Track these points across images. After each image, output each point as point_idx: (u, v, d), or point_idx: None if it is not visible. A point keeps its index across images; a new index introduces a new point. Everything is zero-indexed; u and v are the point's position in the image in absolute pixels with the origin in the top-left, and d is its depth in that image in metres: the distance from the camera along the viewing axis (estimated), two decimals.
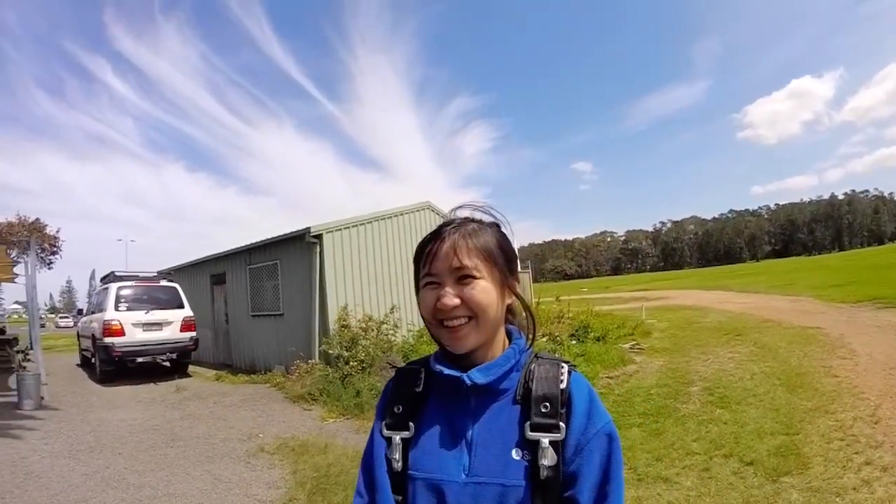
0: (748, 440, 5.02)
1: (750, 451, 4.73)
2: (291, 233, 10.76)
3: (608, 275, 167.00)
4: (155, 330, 11.10)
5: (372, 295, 11.00)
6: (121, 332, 10.62)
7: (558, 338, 10.22)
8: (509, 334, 1.14)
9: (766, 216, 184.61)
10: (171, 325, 11.33)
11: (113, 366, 10.77)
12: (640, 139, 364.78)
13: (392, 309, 10.27)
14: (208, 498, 4.32)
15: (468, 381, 1.04)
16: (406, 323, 11.02)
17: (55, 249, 28.10)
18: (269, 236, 11.67)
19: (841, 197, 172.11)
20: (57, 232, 28.24)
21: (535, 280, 27.19)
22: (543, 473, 0.98)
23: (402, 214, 12.72)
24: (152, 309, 11.23)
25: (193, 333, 11.68)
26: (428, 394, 1.12)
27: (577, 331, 10.88)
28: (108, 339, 10.50)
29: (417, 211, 13.38)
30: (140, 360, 10.99)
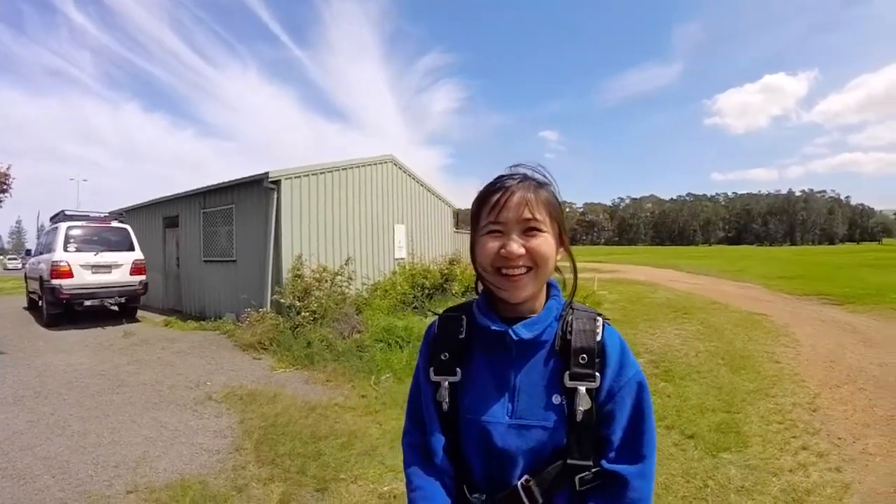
0: (690, 414, 5.23)
1: (691, 424, 4.94)
2: (249, 177, 10.55)
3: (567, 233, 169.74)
4: (104, 272, 10.82)
5: (328, 246, 10.96)
6: (69, 274, 10.33)
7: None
8: (548, 286, 1.21)
9: (723, 203, 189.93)
10: (120, 268, 11.05)
11: (60, 309, 10.51)
12: (610, 114, 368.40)
13: (347, 261, 10.22)
14: (154, 446, 4.38)
15: (515, 337, 1.12)
16: (360, 276, 11.03)
17: (5, 188, 26.63)
18: (226, 179, 11.36)
19: (798, 194, 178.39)
20: (7, 169, 26.81)
21: None
22: (579, 416, 1.10)
23: (364, 166, 12.56)
24: (102, 251, 10.91)
25: (143, 277, 11.44)
26: (471, 341, 1.21)
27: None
28: (55, 281, 10.22)
29: (380, 164, 13.25)
30: (88, 303, 10.74)
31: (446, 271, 10.98)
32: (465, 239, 19.34)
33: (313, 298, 8.97)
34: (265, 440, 4.51)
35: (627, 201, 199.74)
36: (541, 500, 1.11)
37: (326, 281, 9.58)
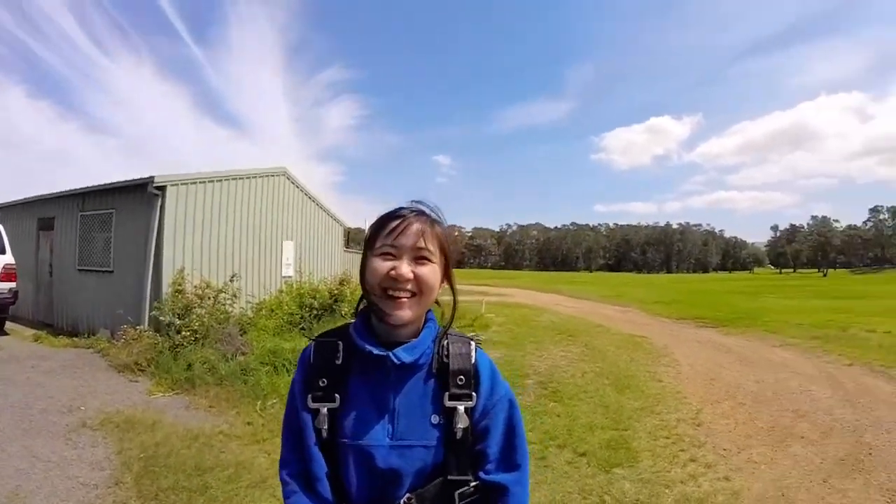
0: (580, 433, 5.52)
1: (583, 443, 5.22)
2: (133, 180, 9.99)
3: (453, 267, 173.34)
4: None
5: (212, 260, 10.60)
6: None
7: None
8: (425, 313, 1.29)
9: (604, 233, 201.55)
10: None
11: None
12: (502, 143, 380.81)
13: (232, 277, 9.93)
14: (27, 479, 4.15)
15: (396, 361, 1.18)
16: (245, 294, 10.75)
17: None
18: (109, 181, 10.69)
19: (675, 226, 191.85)
20: None
21: None
22: (459, 434, 1.19)
23: (255, 177, 12.28)
24: None
25: (13, 285, 10.47)
26: (348, 366, 1.24)
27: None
28: None
29: (272, 176, 13.00)
30: None
31: (336, 291, 10.92)
32: (355, 259, 19.33)
33: (195, 316, 8.65)
34: (146, 473, 4.35)
35: (515, 227, 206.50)
36: None
37: (209, 298, 9.26)
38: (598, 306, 21.88)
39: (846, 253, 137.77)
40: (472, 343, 1.31)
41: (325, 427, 1.20)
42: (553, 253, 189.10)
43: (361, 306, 1.31)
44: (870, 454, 4.96)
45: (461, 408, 1.21)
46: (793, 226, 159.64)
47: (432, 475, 1.20)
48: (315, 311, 10.25)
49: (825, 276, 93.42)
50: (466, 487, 1.22)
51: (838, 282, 55.89)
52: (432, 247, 1.22)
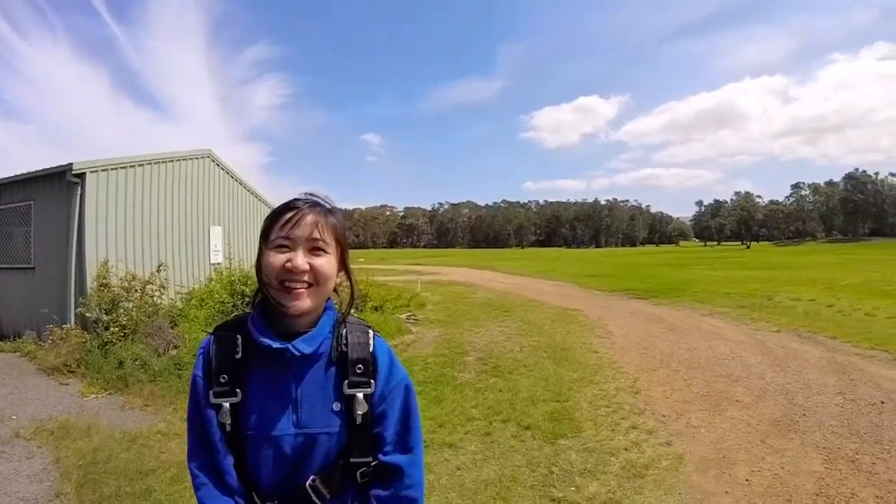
0: (523, 406, 5.76)
1: (526, 416, 5.47)
2: (49, 168, 9.58)
3: (384, 247, 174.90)
4: None
5: (137, 250, 10.29)
6: None
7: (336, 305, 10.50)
8: None
9: (534, 210, 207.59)
10: None
11: None
12: (432, 121, 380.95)
13: (159, 267, 9.74)
14: None
15: (296, 353, 1.22)
16: (174, 284, 10.59)
17: None
18: (24, 171, 10.20)
19: (603, 202, 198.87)
20: None
21: None
22: (359, 420, 1.26)
23: (179, 160, 11.90)
24: None
25: None
26: (248, 359, 1.26)
27: (356, 301, 11.05)
28: None
29: (197, 158, 12.62)
30: None
31: None
32: None
33: (122, 311, 8.50)
34: (87, 481, 4.34)
35: (447, 206, 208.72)
36: (328, 496, 1.26)
37: (136, 290, 9.09)
38: (532, 282, 22.46)
39: (768, 227, 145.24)
40: (371, 331, 1.36)
41: (229, 421, 1.23)
42: (485, 230, 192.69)
43: (258, 298, 1.34)
44: (804, 415, 5.39)
45: (360, 395, 1.27)
46: (717, 201, 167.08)
47: (336, 458, 1.27)
48: (247, 299, 10.17)
49: (748, 248, 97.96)
50: (367, 467, 1.30)
51: (762, 253, 58.40)
52: (327, 237, 1.25)
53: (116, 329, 8.15)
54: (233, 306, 9.93)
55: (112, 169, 9.93)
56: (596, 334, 9.71)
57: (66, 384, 7.17)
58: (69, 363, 7.61)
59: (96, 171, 9.51)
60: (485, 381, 6.85)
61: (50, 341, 8.21)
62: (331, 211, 1.31)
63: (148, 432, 5.46)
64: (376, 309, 11.55)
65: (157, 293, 9.50)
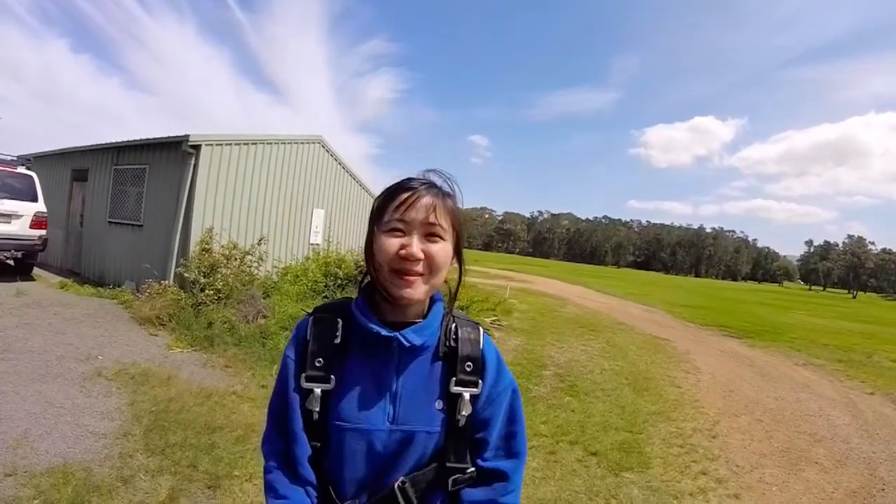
0: (593, 431, 5.42)
1: (595, 441, 5.13)
2: (167, 137, 9.96)
3: (480, 249, 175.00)
4: (2, 222, 9.87)
5: (241, 222, 10.56)
6: None
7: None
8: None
9: (636, 229, 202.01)
10: (20, 220, 10.08)
11: None
12: (540, 128, 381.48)
13: (260, 240, 9.92)
14: (37, 423, 4.15)
15: (406, 343, 1.13)
16: (272, 258, 10.78)
17: None
18: (143, 137, 10.71)
19: (709, 230, 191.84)
20: None
21: None
22: (461, 422, 1.16)
23: (290, 143, 12.17)
24: (3, 198, 9.92)
25: (44, 232, 10.54)
26: (347, 345, 1.18)
27: (444, 295, 10.86)
28: None
29: (308, 143, 12.87)
30: None
31: (362, 263, 10.77)
32: None
33: (220, 276, 8.66)
34: (155, 427, 4.34)
35: (546, 215, 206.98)
36: (415, 501, 1.15)
37: (236, 259, 9.27)
38: (623, 304, 21.61)
39: (878, 277, 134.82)
40: (480, 329, 1.26)
41: (317, 409, 1.15)
42: (582, 245, 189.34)
43: (364, 282, 1.27)
44: (882, 490, 4.80)
45: (466, 395, 1.17)
46: (827, 242, 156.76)
47: (429, 461, 1.17)
48: (339, 281, 10.16)
49: (854, 297, 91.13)
50: (461, 474, 1.19)
51: (868, 305, 54.69)
52: (444, 223, 1.15)
53: (211, 292, 8.34)
54: (325, 286, 9.95)
55: (226, 144, 10.22)
56: (682, 368, 9.07)
57: (155, 335, 7.32)
58: (161, 316, 7.80)
59: (211, 145, 9.80)
60: (559, 399, 6.51)
61: (147, 294, 8.44)
62: (449, 194, 1.21)
63: (224, 391, 5.43)
64: (462, 308, 11.18)
65: (255, 264, 9.65)
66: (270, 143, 11.45)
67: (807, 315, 26.55)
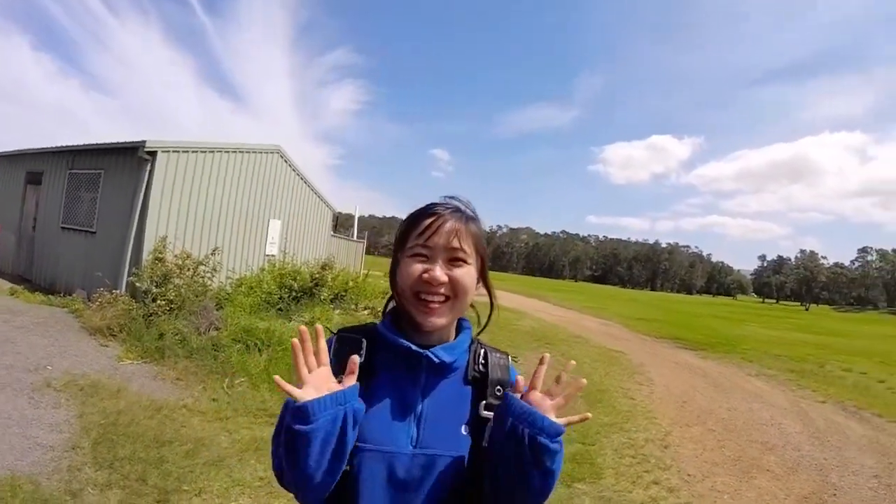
0: None
1: None
2: (124, 142, 9.87)
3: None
4: None
5: (196, 231, 10.50)
6: None
7: (380, 313, 10.13)
8: (459, 320, 1.25)
9: (593, 244, 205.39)
10: None
11: None
12: (502, 144, 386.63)
13: (214, 250, 9.79)
14: None
15: (436, 359, 1.13)
16: (226, 268, 10.74)
17: None
18: (101, 140, 10.60)
19: (664, 245, 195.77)
20: None
21: (369, 252, 27.32)
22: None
23: (248, 152, 12.14)
24: None
25: None
26: (372, 365, 1.16)
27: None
28: None
29: (266, 153, 12.87)
30: None
31: (317, 276, 10.82)
32: (341, 244, 19.23)
33: (172, 286, 8.55)
34: (104, 440, 4.37)
35: (505, 230, 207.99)
36: None
37: (189, 269, 9.15)
38: (580, 317, 21.91)
39: (830, 290, 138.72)
40: (508, 356, 1.27)
41: None
42: (541, 259, 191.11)
43: (390, 307, 1.28)
44: (834, 495, 4.99)
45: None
46: (780, 257, 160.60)
47: (454, 487, 1.09)
48: (294, 293, 10.22)
49: (807, 310, 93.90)
50: None
51: (820, 317, 56.02)
52: (467, 247, 1.16)
53: (163, 302, 8.24)
54: (279, 298, 9.99)
55: (183, 151, 10.17)
56: (636, 380, 9.31)
57: (106, 346, 7.26)
58: (112, 327, 7.71)
59: (167, 151, 9.74)
60: None
61: (98, 303, 8.33)
62: (472, 218, 1.21)
63: (174, 404, 5.45)
64: None
65: (209, 275, 9.56)
66: (228, 152, 11.41)
67: (760, 327, 27.19)
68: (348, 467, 1.07)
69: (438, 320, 1.13)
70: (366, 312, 10.22)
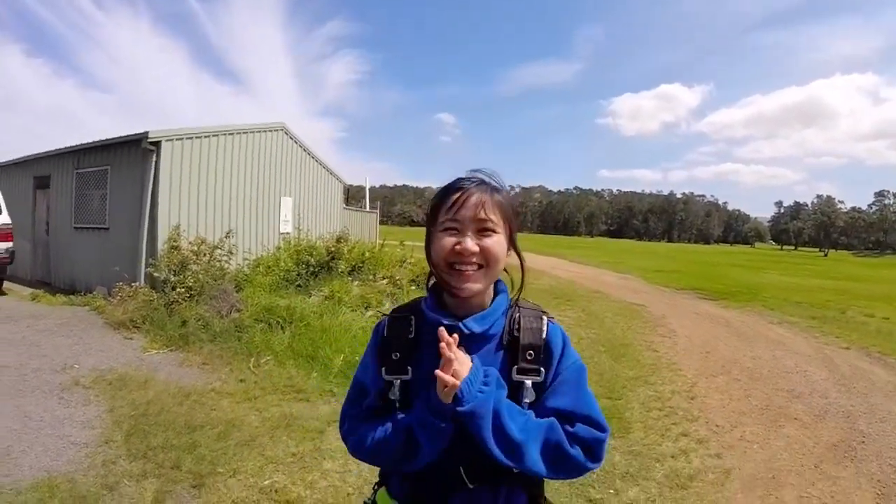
0: None
1: None
2: (127, 136, 9.89)
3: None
4: None
5: (208, 216, 10.54)
6: None
7: (399, 282, 10.40)
8: (495, 283, 1.31)
9: (607, 199, 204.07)
10: None
11: None
12: (507, 103, 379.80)
13: (228, 234, 9.87)
14: (18, 439, 4.21)
15: (466, 330, 1.21)
16: (242, 250, 10.76)
17: None
18: (103, 137, 10.57)
19: (679, 196, 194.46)
20: None
21: (382, 222, 27.29)
22: (525, 408, 1.20)
23: (253, 132, 12.10)
24: None
25: (10, 245, 10.45)
26: (420, 339, 1.28)
27: (417, 276, 10.96)
28: None
29: (270, 131, 12.79)
30: None
31: (333, 249, 10.76)
32: (353, 216, 19.18)
33: (190, 273, 8.63)
34: (136, 431, 4.40)
35: (518, 189, 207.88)
36: (476, 485, 1.21)
37: (205, 254, 9.25)
38: (598, 272, 21.88)
39: (848, 235, 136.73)
40: (544, 317, 1.31)
41: (398, 398, 1.26)
42: (555, 217, 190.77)
43: (431, 282, 1.34)
44: (863, 442, 4.91)
45: (528, 382, 1.22)
46: (797, 203, 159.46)
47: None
48: (312, 269, 10.21)
49: (826, 256, 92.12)
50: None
51: (839, 263, 55.11)
52: (495, 217, 1.22)
53: (183, 290, 8.31)
54: (297, 275, 10.00)
55: (187, 138, 10.14)
56: (658, 333, 9.24)
57: (130, 339, 7.35)
58: (135, 319, 7.80)
59: (171, 140, 9.71)
60: None
61: (119, 298, 8.42)
62: (497, 189, 1.28)
63: (202, 389, 5.50)
64: None
65: (225, 258, 9.63)
66: (232, 134, 11.37)
67: (779, 274, 26.99)
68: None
69: (474, 286, 1.21)
70: (384, 282, 10.17)
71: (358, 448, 1.29)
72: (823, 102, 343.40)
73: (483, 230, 1.21)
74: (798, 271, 31.19)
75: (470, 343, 1.23)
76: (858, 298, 15.99)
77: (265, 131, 12.60)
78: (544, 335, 1.27)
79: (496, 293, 1.31)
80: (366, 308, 8.53)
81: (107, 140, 10.48)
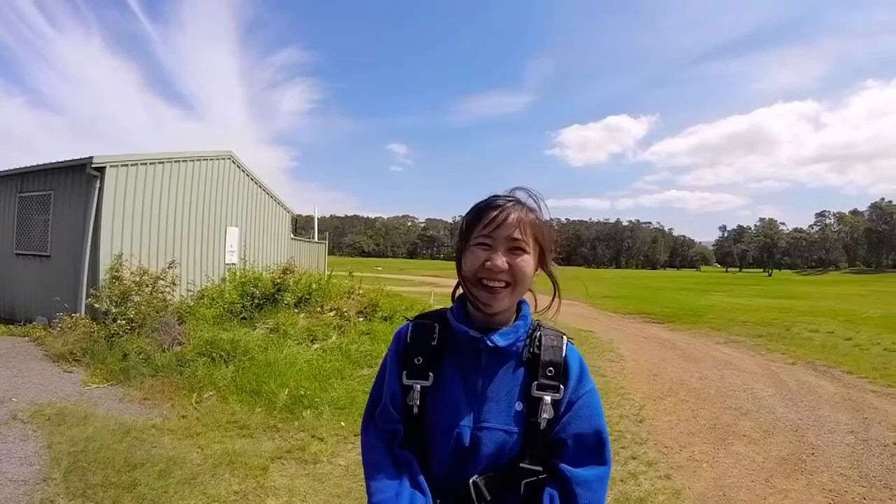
0: None
1: None
2: (71, 160, 9.77)
3: (404, 257, 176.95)
4: None
5: (152, 245, 10.40)
6: None
7: (346, 313, 10.31)
8: (519, 303, 1.35)
9: (555, 227, 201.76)
10: None
11: None
12: (459, 134, 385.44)
13: (171, 264, 9.83)
14: None
15: (490, 344, 1.25)
16: (186, 281, 10.68)
17: None
18: (47, 161, 10.42)
19: (626, 223, 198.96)
20: None
21: (331, 252, 27.14)
22: (542, 425, 1.23)
23: (200, 160, 12.03)
24: None
25: None
26: (443, 348, 1.31)
27: (365, 308, 10.87)
28: None
29: (218, 159, 12.74)
30: None
31: (279, 280, 10.78)
32: (302, 246, 19.07)
33: (132, 304, 8.56)
34: (75, 468, 4.35)
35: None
36: (488, 498, 1.23)
37: (147, 285, 9.16)
38: None
39: (791, 254, 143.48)
40: (564, 338, 1.34)
41: (417, 403, 1.27)
42: None
43: (458, 293, 1.39)
44: (812, 454, 5.11)
45: (548, 398, 1.24)
46: (740, 226, 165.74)
47: (507, 461, 1.25)
48: (257, 301, 10.18)
49: (770, 275, 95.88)
50: (535, 478, 1.25)
51: (783, 282, 56.79)
52: (527, 237, 1.26)
53: (124, 322, 8.21)
54: (242, 307, 9.93)
55: (132, 164, 10.05)
56: (606, 357, 9.47)
57: (70, 372, 7.23)
58: (75, 352, 7.67)
59: (116, 166, 9.62)
60: None
61: (59, 329, 8.29)
62: (533, 210, 1.32)
63: (143, 425, 5.44)
64: (385, 319, 11.01)
65: (168, 289, 9.56)
66: (178, 161, 11.31)
67: (725, 296, 27.83)
68: (421, 439, 1.29)
69: (499, 303, 1.25)
70: (332, 314, 10.19)
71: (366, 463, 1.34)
72: (765, 130, 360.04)
73: (514, 249, 1.25)
74: (743, 292, 32.13)
75: (492, 357, 1.28)
76: (803, 315, 16.45)
77: (212, 159, 12.54)
78: (564, 353, 1.30)
79: (519, 310, 1.35)
80: (312, 341, 8.54)
81: (51, 164, 10.33)
